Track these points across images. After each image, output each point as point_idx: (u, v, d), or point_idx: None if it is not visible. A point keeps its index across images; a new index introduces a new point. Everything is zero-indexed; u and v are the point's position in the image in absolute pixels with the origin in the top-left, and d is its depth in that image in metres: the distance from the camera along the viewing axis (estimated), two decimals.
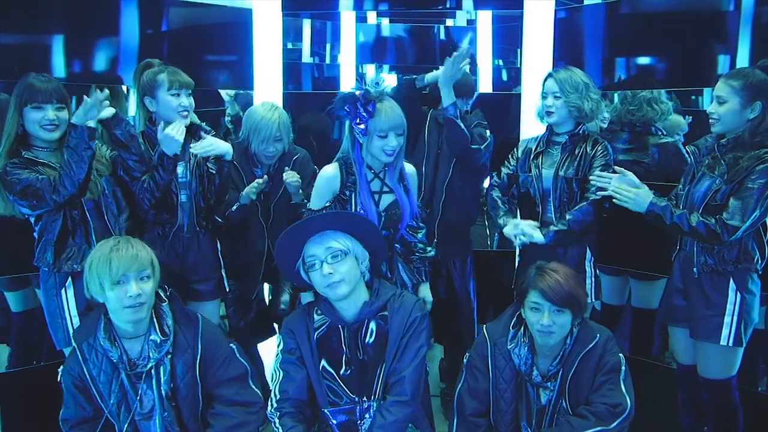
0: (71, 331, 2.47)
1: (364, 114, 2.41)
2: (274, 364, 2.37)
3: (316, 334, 2.33)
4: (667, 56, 3.15)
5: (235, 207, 2.90)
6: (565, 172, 2.80)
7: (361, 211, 2.49)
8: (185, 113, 2.71)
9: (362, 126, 2.42)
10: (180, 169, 2.74)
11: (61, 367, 2.32)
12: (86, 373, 2.23)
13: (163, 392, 2.26)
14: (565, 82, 2.77)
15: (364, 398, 2.31)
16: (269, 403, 2.32)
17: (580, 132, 2.84)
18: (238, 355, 2.36)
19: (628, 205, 2.52)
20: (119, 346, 2.24)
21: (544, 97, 2.84)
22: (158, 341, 2.24)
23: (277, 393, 2.31)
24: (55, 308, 2.54)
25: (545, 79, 2.86)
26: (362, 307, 2.31)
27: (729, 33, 2.89)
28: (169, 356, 2.26)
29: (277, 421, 2.28)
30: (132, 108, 3.17)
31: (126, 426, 2.27)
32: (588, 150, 2.81)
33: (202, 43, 3.44)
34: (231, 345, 2.38)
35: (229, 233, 2.99)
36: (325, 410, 2.32)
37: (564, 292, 2.24)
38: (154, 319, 2.26)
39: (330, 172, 2.54)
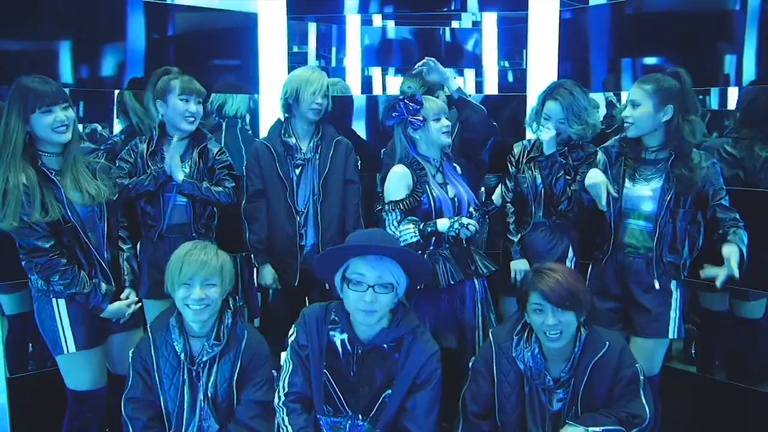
0: (62, 336, 2.48)
1: (416, 106, 2.65)
2: (286, 353, 2.36)
3: (327, 338, 2.29)
4: (673, 56, 3.14)
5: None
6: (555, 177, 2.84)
7: (439, 199, 2.66)
8: (191, 119, 2.80)
9: (419, 117, 2.66)
10: (182, 175, 2.76)
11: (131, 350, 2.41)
12: (154, 361, 2.33)
13: (209, 392, 2.34)
14: (570, 110, 2.81)
15: (358, 415, 2.29)
16: (276, 394, 2.31)
17: (573, 142, 2.88)
18: (273, 384, 2.40)
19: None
20: (185, 340, 2.34)
21: (546, 118, 2.85)
22: (211, 343, 2.34)
23: (285, 385, 2.30)
24: (46, 315, 2.49)
25: (546, 97, 2.86)
26: (380, 332, 2.27)
27: (735, 32, 2.89)
28: (218, 361, 2.35)
29: (285, 418, 2.27)
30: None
31: (174, 420, 2.35)
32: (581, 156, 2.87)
33: (208, 48, 3.45)
34: (273, 371, 2.43)
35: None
36: (318, 416, 2.31)
37: (564, 291, 2.23)
38: (216, 323, 2.36)
39: (401, 170, 2.68)
